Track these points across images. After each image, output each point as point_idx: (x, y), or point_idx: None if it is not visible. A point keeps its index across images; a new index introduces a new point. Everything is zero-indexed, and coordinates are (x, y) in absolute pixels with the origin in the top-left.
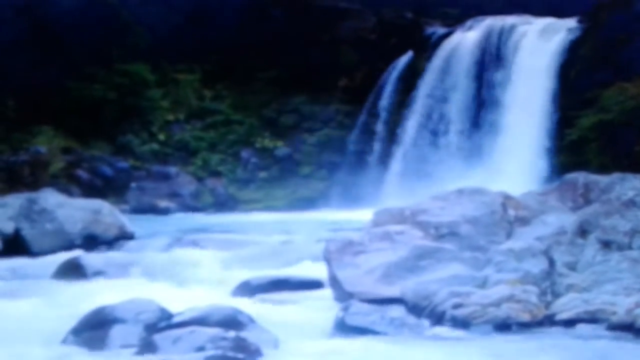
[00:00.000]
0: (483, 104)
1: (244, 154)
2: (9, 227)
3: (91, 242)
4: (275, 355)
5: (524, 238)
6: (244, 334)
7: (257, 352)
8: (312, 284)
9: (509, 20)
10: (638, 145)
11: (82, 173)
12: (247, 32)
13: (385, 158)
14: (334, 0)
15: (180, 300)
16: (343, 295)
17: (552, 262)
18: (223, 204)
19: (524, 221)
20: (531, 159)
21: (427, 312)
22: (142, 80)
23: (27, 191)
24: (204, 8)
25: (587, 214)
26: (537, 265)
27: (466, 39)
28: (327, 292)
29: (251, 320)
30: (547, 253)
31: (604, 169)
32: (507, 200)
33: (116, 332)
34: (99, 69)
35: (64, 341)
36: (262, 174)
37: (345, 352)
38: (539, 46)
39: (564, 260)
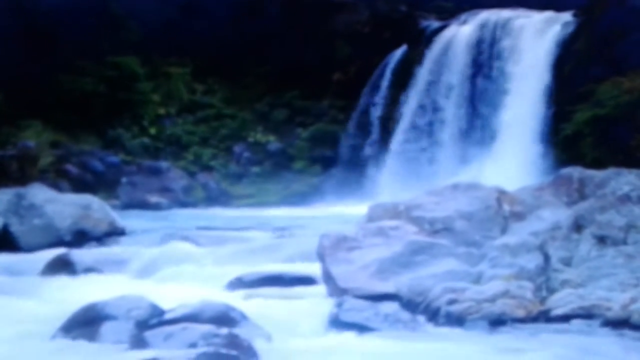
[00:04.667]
0: (478, 98)
1: (237, 148)
2: None
3: (81, 237)
4: (268, 351)
5: (518, 233)
6: (236, 330)
7: (250, 348)
8: (306, 280)
9: (503, 14)
10: (633, 140)
11: (71, 168)
12: (240, 25)
13: (379, 153)
14: None
15: (171, 297)
16: (337, 291)
17: (547, 258)
18: (215, 199)
19: (518, 216)
20: (526, 153)
21: (421, 308)
22: (133, 74)
23: (15, 186)
24: (196, 1)
25: (582, 209)
26: (532, 261)
27: (461, 33)
28: (320, 288)
29: (244, 316)
30: (542, 248)
31: (599, 164)
32: (501, 195)
33: (107, 329)
34: (89, 62)
35: (54, 338)
36: (255, 169)
37: (339, 349)
38: (533, 40)
39: (559, 256)
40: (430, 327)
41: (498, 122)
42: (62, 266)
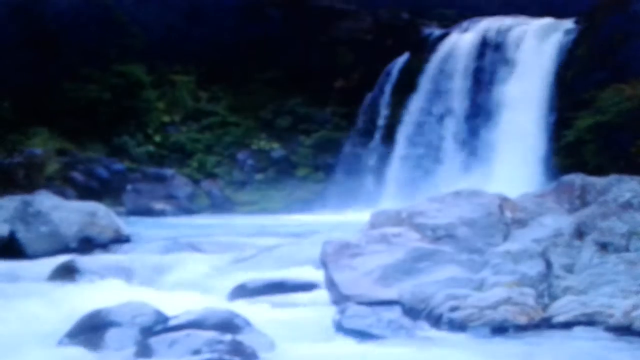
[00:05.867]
0: (480, 105)
1: (240, 155)
2: (3, 230)
3: (87, 244)
4: (271, 358)
5: (520, 240)
6: (240, 337)
7: (253, 355)
8: (309, 287)
9: (505, 21)
10: (634, 147)
11: (77, 175)
12: (243, 33)
13: (382, 160)
14: (330, 1)
15: (176, 304)
16: (340, 298)
17: (549, 264)
18: (219, 206)
19: (520, 223)
20: (528, 160)
21: (424, 314)
22: (138, 82)
23: (21, 193)
24: (200, 9)
25: (584, 216)
26: (534, 268)
27: (463, 40)
28: (323, 295)
29: (247, 323)
30: (544, 255)
31: (600, 171)
32: (504, 202)
33: (112, 336)
34: (95, 69)
35: (60, 344)
36: (259, 176)
37: (342, 355)
38: (535, 47)
39: (561, 263)
40: (432, 334)
41: (500, 129)
42: (68, 273)
